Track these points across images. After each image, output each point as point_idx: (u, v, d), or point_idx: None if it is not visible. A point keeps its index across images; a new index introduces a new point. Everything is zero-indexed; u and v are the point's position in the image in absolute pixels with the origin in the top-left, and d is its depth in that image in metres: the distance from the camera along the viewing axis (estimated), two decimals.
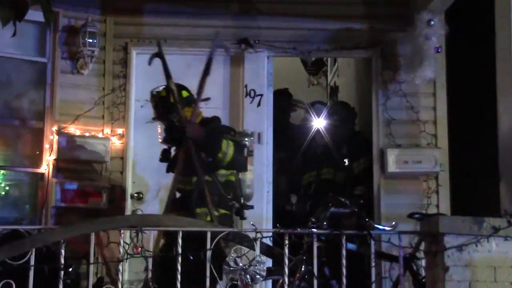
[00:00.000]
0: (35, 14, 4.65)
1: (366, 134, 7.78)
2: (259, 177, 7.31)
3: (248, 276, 4.85)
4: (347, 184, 7.48)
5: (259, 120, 7.47)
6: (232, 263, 4.84)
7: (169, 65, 7.48)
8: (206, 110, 7.49)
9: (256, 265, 4.85)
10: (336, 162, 7.53)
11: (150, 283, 4.96)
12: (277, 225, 5.17)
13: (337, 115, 7.82)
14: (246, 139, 6.26)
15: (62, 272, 4.92)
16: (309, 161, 7.85)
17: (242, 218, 6.16)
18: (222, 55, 7.60)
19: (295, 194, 7.95)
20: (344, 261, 4.87)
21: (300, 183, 7.85)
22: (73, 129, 7.24)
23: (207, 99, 6.35)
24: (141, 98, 7.47)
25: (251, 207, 6.17)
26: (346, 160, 7.52)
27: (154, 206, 7.34)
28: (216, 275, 4.84)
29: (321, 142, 7.74)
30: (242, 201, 6.09)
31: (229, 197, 5.98)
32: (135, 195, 7.37)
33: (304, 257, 5.20)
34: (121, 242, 4.92)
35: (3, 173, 7.16)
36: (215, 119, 6.26)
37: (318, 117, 7.79)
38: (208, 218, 5.72)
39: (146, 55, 7.50)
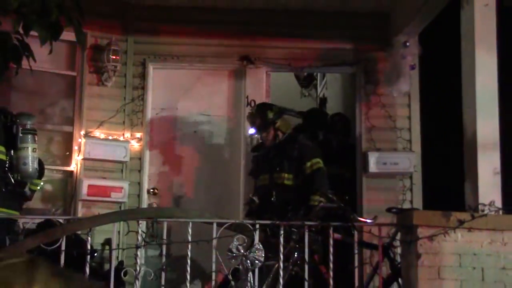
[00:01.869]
0: (67, 35, 4.68)
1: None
2: None
3: (248, 261, 4.88)
4: (301, 188, 6.37)
5: None
6: (234, 250, 4.87)
7: (182, 78, 7.57)
8: (212, 117, 7.55)
9: (255, 252, 4.88)
10: (289, 165, 6.39)
11: (164, 267, 4.98)
12: (275, 218, 5.19)
13: (335, 127, 7.72)
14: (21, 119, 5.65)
15: (89, 257, 4.96)
16: (263, 164, 6.61)
17: (26, 198, 5.76)
18: (227, 70, 7.65)
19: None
20: (331, 249, 4.90)
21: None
22: (98, 133, 7.23)
23: None
24: (156, 107, 7.49)
25: (24, 183, 5.64)
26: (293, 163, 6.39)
27: (167, 199, 7.36)
28: None
29: (272, 144, 6.56)
30: (18, 178, 5.57)
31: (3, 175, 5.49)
32: (151, 190, 7.36)
33: (297, 245, 5.22)
34: (139, 231, 4.95)
35: None
36: None
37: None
38: None
39: (162, 69, 7.59)
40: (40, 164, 5.82)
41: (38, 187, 6.00)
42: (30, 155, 5.55)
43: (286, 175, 6.34)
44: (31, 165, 5.54)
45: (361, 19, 7.54)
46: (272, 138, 6.53)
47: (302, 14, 7.52)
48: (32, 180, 5.74)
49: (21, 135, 5.54)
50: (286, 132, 6.57)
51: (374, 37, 7.52)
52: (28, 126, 5.61)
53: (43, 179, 6.00)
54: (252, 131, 6.76)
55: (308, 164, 6.30)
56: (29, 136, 5.59)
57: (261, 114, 6.51)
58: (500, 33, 5.42)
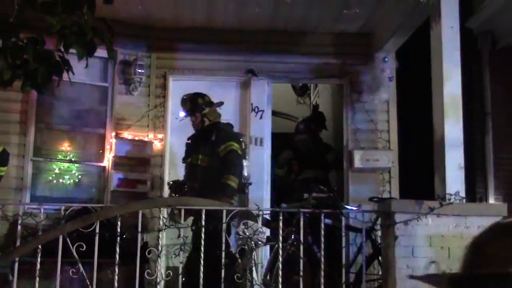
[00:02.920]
0: (100, 52, 4.70)
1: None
2: (260, 171, 7.33)
3: (252, 242, 4.89)
4: (217, 169, 5.94)
5: (261, 129, 7.49)
6: (241, 233, 4.88)
7: (196, 88, 7.55)
8: (222, 121, 7.55)
9: (259, 234, 4.89)
10: (204, 148, 6.07)
11: (182, 247, 4.98)
12: (274, 205, 5.19)
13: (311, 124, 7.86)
14: None
15: (118, 238, 4.98)
16: (191, 149, 6.30)
17: None
18: (235, 81, 7.66)
19: None
20: (322, 232, 4.90)
21: None
22: (127, 135, 7.26)
23: None
24: (175, 113, 7.46)
25: None
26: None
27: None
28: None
29: (199, 129, 6.29)
30: None
31: None
32: (171, 182, 7.35)
33: (294, 229, 5.23)
34: (161, 216, 4.97)
35: (76, 166, 7.17)
36: None
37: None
38: None
39: (180, 81, 7.59)
40: (4, 153, 5.90)
41: (3, 173, 6.00)
42: None
43: (200, 156, 6.02)
44: None
45: (347, 38, 7.56)
46: (199, 123, 6.20)
47: (298, 34, 7.53)
48: None
49: None
50: (213, 120, 6.24)
51: (358, 53, 7.53)
52: None
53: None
54: (182, 114, 6.38)
55: (222, 147, 5.91)
56: None
57: (192, 100, 6.26)
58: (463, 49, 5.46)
